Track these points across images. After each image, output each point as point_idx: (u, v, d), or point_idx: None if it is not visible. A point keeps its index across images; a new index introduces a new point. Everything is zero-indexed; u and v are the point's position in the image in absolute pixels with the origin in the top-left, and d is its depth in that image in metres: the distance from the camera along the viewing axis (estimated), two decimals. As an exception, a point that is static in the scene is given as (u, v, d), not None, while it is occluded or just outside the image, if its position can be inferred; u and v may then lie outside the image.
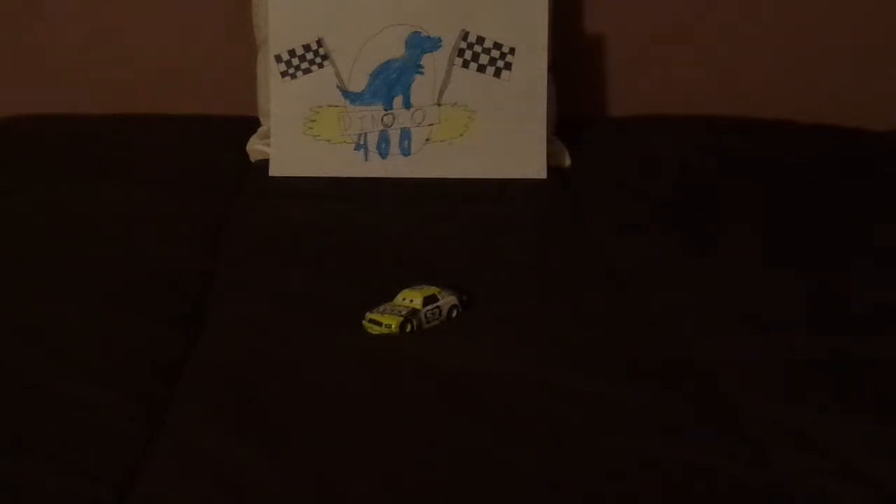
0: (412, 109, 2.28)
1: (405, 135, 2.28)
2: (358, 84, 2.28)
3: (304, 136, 2.28)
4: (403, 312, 1.62)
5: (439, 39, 2.28)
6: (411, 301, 1.64)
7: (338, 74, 2.28)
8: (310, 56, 2.28)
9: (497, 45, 2.28)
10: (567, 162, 2.37)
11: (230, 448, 1.31)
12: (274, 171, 2.29)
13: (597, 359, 1.54)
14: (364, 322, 1.62)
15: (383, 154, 2.29)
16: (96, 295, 1.71)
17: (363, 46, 2.28)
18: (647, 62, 2.66)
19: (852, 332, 1.62)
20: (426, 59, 2.28)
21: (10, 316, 1.64)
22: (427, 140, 2.29)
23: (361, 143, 2.29)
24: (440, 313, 1.65)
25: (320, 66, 2.28)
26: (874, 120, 2.59)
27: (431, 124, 2.29)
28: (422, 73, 2.28)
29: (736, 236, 1.98)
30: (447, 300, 1.66)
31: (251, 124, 2.43)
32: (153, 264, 1.84)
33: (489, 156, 2.28)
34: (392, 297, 1.66)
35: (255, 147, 2.38)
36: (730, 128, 2.56)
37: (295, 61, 2.28)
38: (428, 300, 1.64)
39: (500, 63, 2.28)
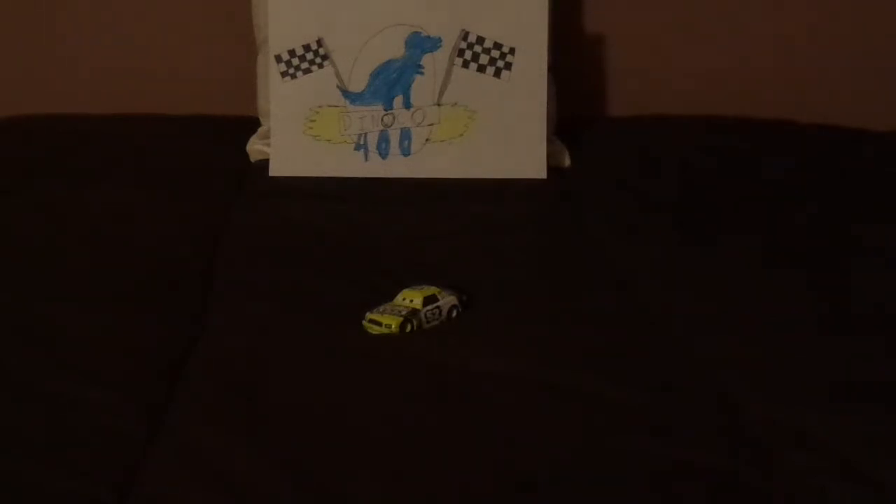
0: (412, 109, 2.29)
1: (405, 135, 2.29)
2: (358, 84, 2.28)
3: (304, 136, 2.28)
4: (403, 312, 1.62)
5: (439, 39, 2.28)
6: (411, 301, 1.64)
7: (338, 74, 2.28)
8: (310, 56, 2.28)
9: (497, 45, 2.28)
10: (567, 162, 2.37)
11: (230, 448, 1.31)
12: (274, 171, 2.29)
13: (597, 359, 1.54)
14: (364, 322, 1.62)
15: (383, 154, 2.29)
16: (96, 295, 1.71)
17: (363, 46, 2.28)
18: (647, 62, 2.66)
19: (852, 332, 1.62)
20: (426, 59, 2.28)
21: (9, 316, 1.64)
22: (427, 140, 2.29)
23: (361, 143, 2.29)
24: (440, 313, 1.65)
25: (320, 66, 2.28)
26: (874, 120, 2.59)
27: (431, 124, 2.29)
28: (422, 73, 2.28)
29: (736, 236, 1.98)
30: (447, 300, 1.66)
31: (251, 124, 2.43)
32: (153, 264, 1.84)
33: (489, 156, 2.29)
34: (392, 297, 1.66)
35: (255, 147, 2.38)
36: (730, 128, 2.56)
37: (295, 61, 2.28)
38: (428, 300, 1.64)
39: (500, 63, 2.28)
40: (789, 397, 1.44)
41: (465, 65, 2.29)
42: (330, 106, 2.29)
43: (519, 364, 1.51)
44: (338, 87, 2.29)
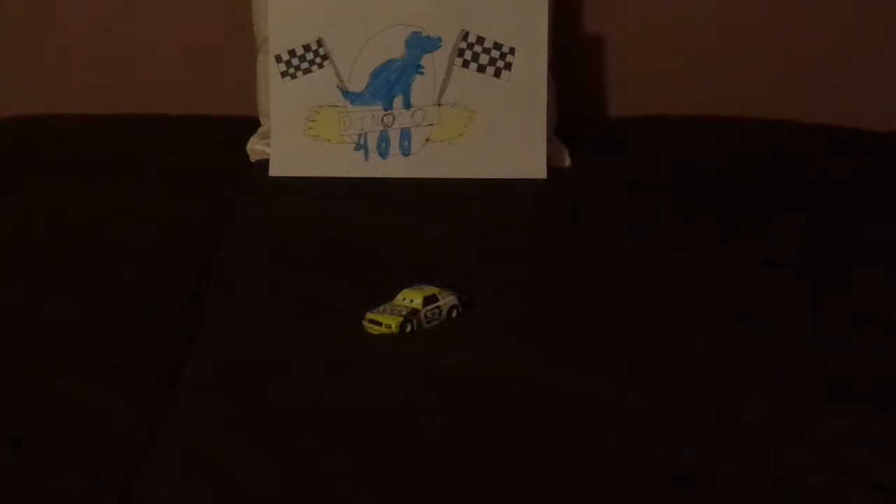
0: (412, 109, 2.29)
1: (405, 135, 2.29)
2: (358, 84, 2.28)
3: (304, 136, 2.28)
4: (403, 312, 1.62)
5: (439, 39, 2.28)
6: (411, 301, 1.64)
7: (338, 74, 2.28)
8: (310, 56, 2.28)
9: (497, 45, 2.28)
10: (567, 162, 2.37)
11: (230, 448, 1.31)
12: (274, 171, 2.29)
13: (597, 359, 1.54)
14: (364, 322, 1.62)
15: (383, 154, 2.29)
16: (96, 295, 1.71)
17: (363, 46, 2.28)
18: (647, 62, 2.66)
19: (852, 332, 1.62)
20: (426, 59, 2.28)
21: (10, 316, 1.64)
22: (427, 140, 2.29)
23: (361, 143, 2.29)
24: (440, 313, 1.65)
25: (320, 66, 2.28)
26: (874, 120, 2.59)
27: (431, 124, 2.29)
28: (422, 73, 2.28)
29: (736, 236, 1.98)
30: (447, 300, 1.66)
31: (251, 124, 2.44)
32: (153, 264, 1.84)
33: (489, 156, 2.29)
34: (392, 297, 1.66)
35: (255, 147, 2.39)
36: (730, 128, 2.56)
37: (295, 61, 2.28)
38: (428, 300, 1.64)
39: (500, 63, 2.28)
40: (789, 397, 1.44)
41: (465, 65, 2.29)
42: (330, 106, 2.29)
43: (519, 364, 1.51)
44: (338, 87, 2.29)
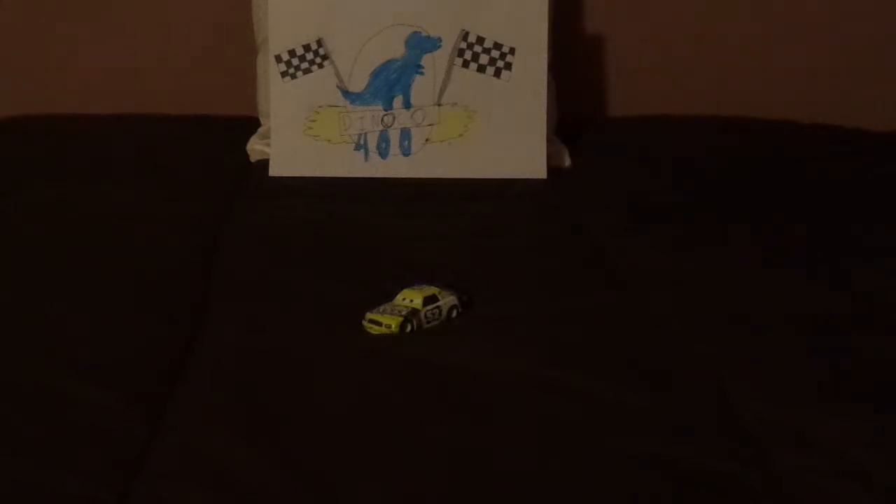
0: (412, 109, 2.29)
1: (405, 135, 2.29)
2: (358, 84, 2.28)
3: (304, 136, 2.28)
4: (403, 312, 1.62)
5: (439, 39, 2.28)
6: (411, 301, 1.64)
7: (338, 74, 2.28)
8: (310, 56, 2.28)
9: (497, 45, 2.28)
10: (567, 162, 2.37)
11: (230, 448, 1.31)
12: (274, 171, 2.29)
13: (597, 359, 1.54)
14: (364, 322, 1.62)
15: (383, 154, 2.29)
16: (96, 295, 1.71)
17: (363, 46, 2.28)
18: (647, 62, 2.66)
19: (852, 332, 1.62)
20: (426, 59, 2.28)
21: (10, 316, 1.64)
22: (427, 140, 2.29)
23: (361, 143, 2.29)
24: (440, 313, 1.65)
25: (320, 66, 2.28)
26: (874, 120, 2.59)
27: (431, 124, 2.29)
28: (422, 73, 2.28)
29: (736, 236, 1.98)
30: (447, 300, 1.66)
31: (251, 124, 2.44)
32: (153, 265, 1.84)
33: (489, 156, 2.29)
34: (392, 297, 1.66)
35: (255, 147, 2.39)
36: (730, 128, 2.56)
37: (295, 61, 2.28)
38: (428, 300, 1.64)
39: (500, 63, 2.28)
40: (789, 397, 1.44)
41: (465, 65, 2.29)
42: (330, 106, 2.29)
43: (519, 364, 1.51)
44: (338, 87, 2.29)
